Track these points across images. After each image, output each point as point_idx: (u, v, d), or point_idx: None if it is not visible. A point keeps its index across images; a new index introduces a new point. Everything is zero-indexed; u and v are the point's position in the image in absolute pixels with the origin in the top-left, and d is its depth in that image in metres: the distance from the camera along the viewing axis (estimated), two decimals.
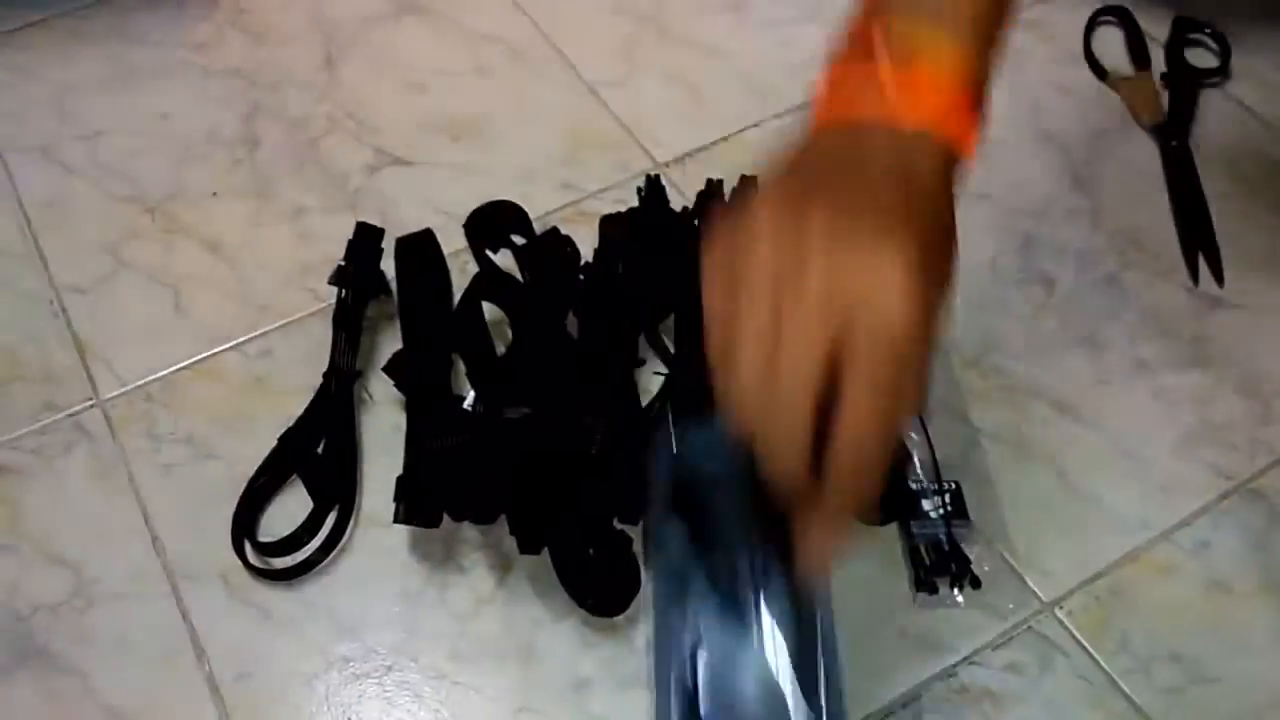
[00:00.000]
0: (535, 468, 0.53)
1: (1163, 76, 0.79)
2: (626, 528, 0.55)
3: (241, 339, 0.65)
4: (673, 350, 0.62)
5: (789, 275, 0.35)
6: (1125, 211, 0.73)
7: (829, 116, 0.40)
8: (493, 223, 0.65)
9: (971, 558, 0.57)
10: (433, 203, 0.72)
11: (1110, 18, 0.83)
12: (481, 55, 0.81)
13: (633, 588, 0.54)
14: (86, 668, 0.53)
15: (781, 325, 0.35)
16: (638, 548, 0.55)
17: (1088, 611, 0.56)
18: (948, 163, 0.39)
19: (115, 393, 0.63)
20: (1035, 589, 0.57)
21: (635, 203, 0.69)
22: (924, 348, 0.35)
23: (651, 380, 0.62)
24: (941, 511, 0.58)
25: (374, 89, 0.79)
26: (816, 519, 0.38)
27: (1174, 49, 0.80)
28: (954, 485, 0.58)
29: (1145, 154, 0.76)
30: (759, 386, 0.35)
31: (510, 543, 0.54)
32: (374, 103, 0.78)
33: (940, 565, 0.56)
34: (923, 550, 0.57)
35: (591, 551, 0.54)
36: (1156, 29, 0.82)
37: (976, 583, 0.56)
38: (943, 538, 0.57)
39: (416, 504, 0.55)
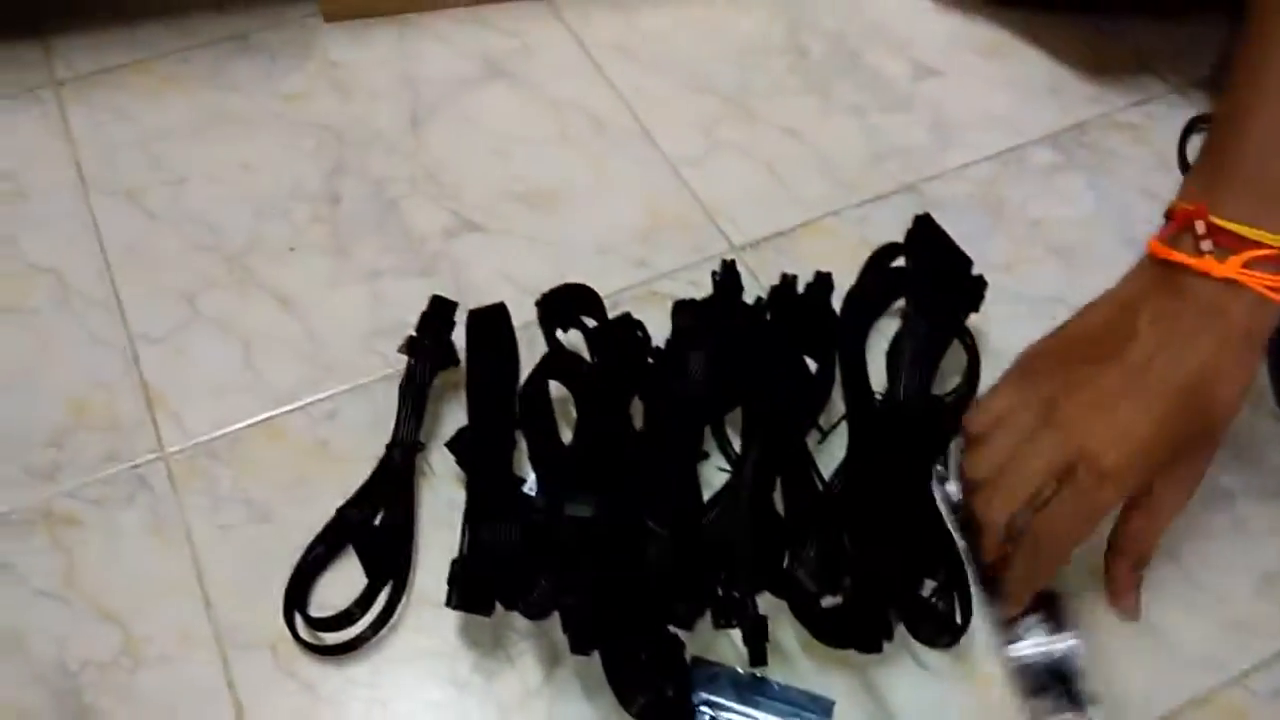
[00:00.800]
0: (592, 569, 0.52)
1: None
2: (680, 633, 0.54)
3: (308, 400, 0.65)
4: (737, 447, 0.61)
5: (1043, 413, 0.55)
6: None
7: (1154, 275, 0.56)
8: (566, 304, 0.64)
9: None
10: (506, 271, 0.72)
11: (1206, 124, 0.81)
12: (565, 124, 0.81)
13: (682, 694, 0.53)
14: None
15: (1026, 445, 0.55)
16: (690, 654, 0.54)
17: None
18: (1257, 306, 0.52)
19: (179, 447, 0.63)
20: None
21: (709, 285, 0.68)
22: (1115, 493, 0.53)
23: (715, 475, 0.61)
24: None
25: (456, 152, 0.79)
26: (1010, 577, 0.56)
27: None
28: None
29: None
30: (993, 473, 0.55)
31: (561, 636, 0.54)
32: (455, 166, 0.78)
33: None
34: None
35: (642, 655, 0.53)
36: None
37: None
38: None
39: (470, 591, 0.54)
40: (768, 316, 0.66)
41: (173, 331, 0.68)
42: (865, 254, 0.69)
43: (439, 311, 0.65)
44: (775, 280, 0.67)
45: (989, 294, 0.65)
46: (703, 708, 0.54)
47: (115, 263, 0.71)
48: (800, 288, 0.66)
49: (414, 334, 0.64)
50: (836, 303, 0.67)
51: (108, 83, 0.82)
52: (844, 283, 0.67)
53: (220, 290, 0.70)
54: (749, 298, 0.68)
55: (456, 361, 0.65)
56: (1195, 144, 0.81)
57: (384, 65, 0.85)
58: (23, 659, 0.55)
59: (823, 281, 0.66)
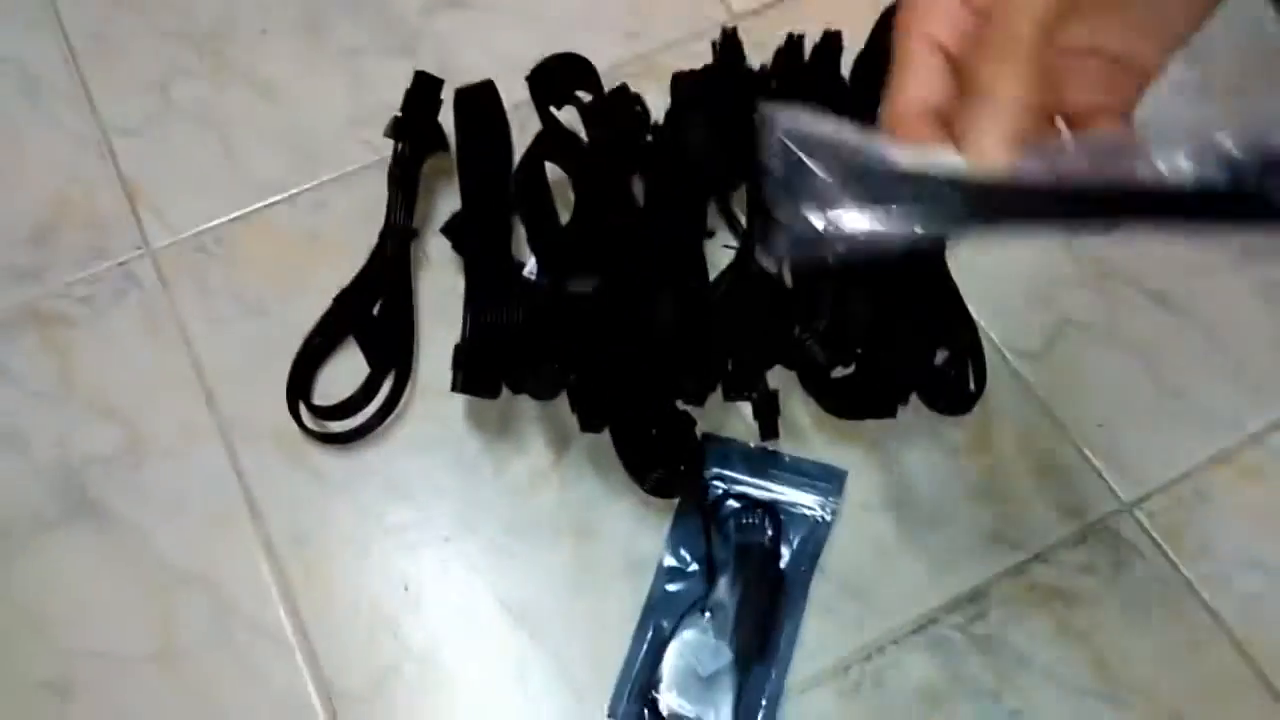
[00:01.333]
0: (598, 345, 0.51)
1: None
2: (690, 409, 0.53)
3: (294, 190, 0.63)
4: (744, 222, 0.59)
5: None
6: (1239, 84, 0.67)
7: None
8: (558, 77, 0.61)
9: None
10: (493, 48, 0.68)
11: None
12: None
13: (694, 469, 0.52)
14: (143, 523, 0.53)
15: None
16: (700, 429, 0.53)
17: (1168, 514, 0.54)
18: None
19: (166, 242, 0.61)
20: (1115, 488, 0.55)
21: (709, 58, 0.65)
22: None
23: (721, 254, 0.59)
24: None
25: None
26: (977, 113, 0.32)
27: None
28: None
29: (1265, 22, 0.69)
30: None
31: (570, 416, 0.53)
32: None
33: None
34: None
35: (654, 431, 0.52)
36: None
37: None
38: None
39: (475, 374, 0.53)
40: (773, 85, 0.62)
41: (147, 123, 0.65)
42: (875, 14, 0.64)
43: (424, 90, 0.61)
44: (779, 48, 0.63)
45: None
46: (715, 482, 0.54)
47: (80, 51, 0.67)
48: (807, 51, 0.62)
49: (399, 115, 0.60)
50: (846, 67, 0.63)
51: None
52: (854, 45, 0.63)
53: (193, 77, 0.67)
54: (752, 66, 0.64)
55: (446, 145, 0.62)
56: None
57: None
58: (25, 459, 0.55)
59: (831, 42, 0.62)
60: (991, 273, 0.59)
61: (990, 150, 0.31)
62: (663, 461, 0.52)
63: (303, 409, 0.55)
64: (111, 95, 0.66)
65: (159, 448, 0.55)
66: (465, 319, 0.56)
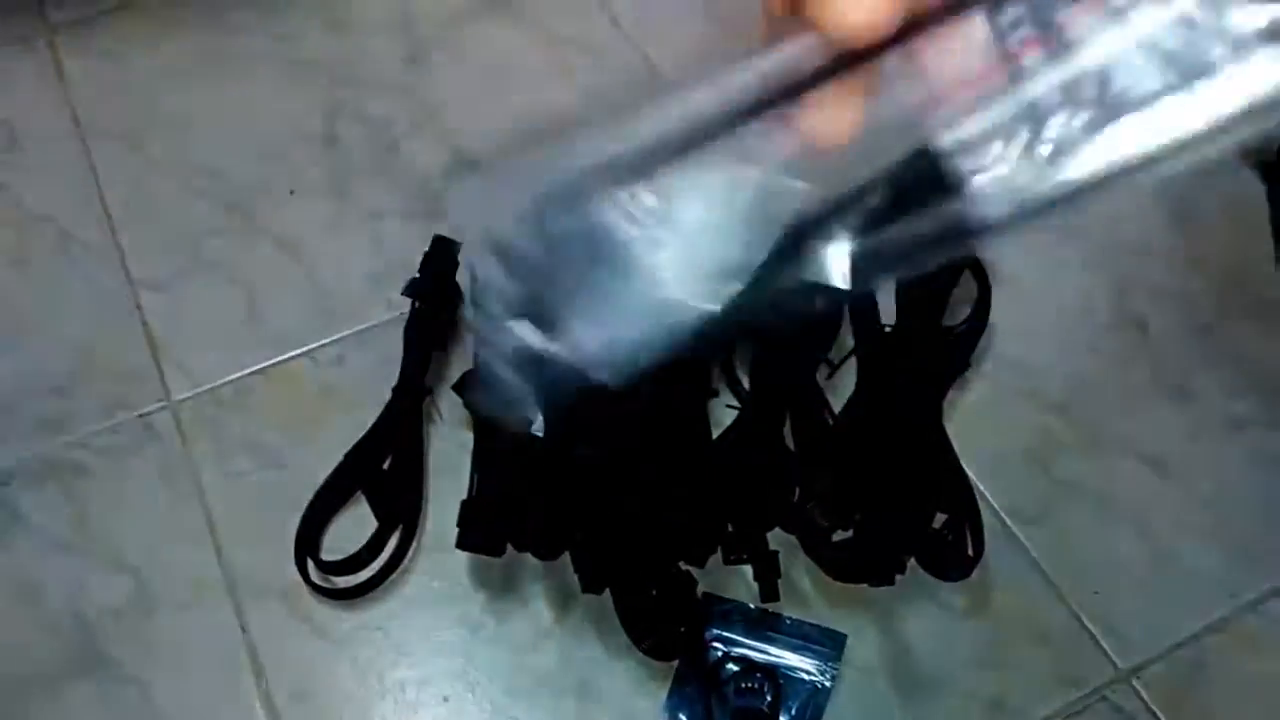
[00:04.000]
0: (602, 508, 0.52)
1: None
2: (692, 569, 0.54)
3: (314, 345, 0.65)
4: (747, 384, 0.61)
5: None
6: (1226, 254, 0.69)
7: None
8: None
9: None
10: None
11: None
12: (564, 57, 0.80)
13: (694, 631, 0.53)
14: (146, 677, 0.54)
15: None
16: (701, 589, 0.54)
17: (1165, 683, 0.54)
18: None
19: (186, 395, 0.63)
20: (1112, 656, 0.55)
21: None
22: None
23: (724, 413, 0.60)
24: None
25: (455, 89, 0.78)
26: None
27: None
28: None
29: (1252, 193, 0.72)
30: None
31: (573, 575, 0.54)
32: (455, 103, 0.77)
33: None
34: None
35: (654, 592, 0.53)
36: None
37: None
38: None
39: (480, 532, 0.54)
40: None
41: (175, 278, 0.68)
42: None
43: (441, 252, 0.64)
44: None
45: None
46: (715, 644, 0.54)
47: (114, 209, 0.71)
48: None
49: (417, 276, 0.63)
50: None
51: (101, 27, 0.81)
52: None
53: (221, 236, 0.70)
54: None
55: (462, 302, 0.65)
56: None
57: (379, 1, 0.83)
58: (39, 609, 0.56)
59: None
60: (989, 437, 0.61)
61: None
62: (663, 622, 0.53)
63: (310, 565, 0.56)
64: (142, 252, 0.69)
65: (168, 601, 0.56)
66: (472, 477, 0.57)
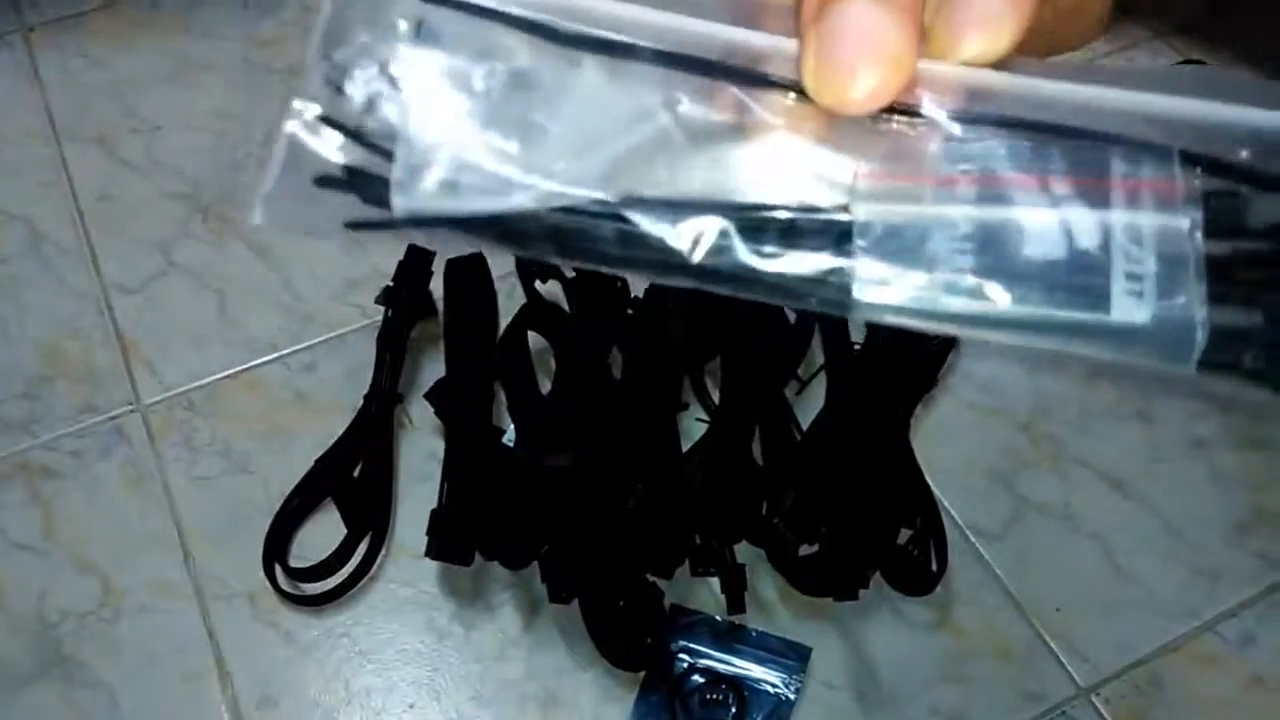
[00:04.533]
0: (571, 518, 0.53)
1: None
2: (659, 581, 0.54)
3: (285, 351, 0.65)
4: (717, 397, 0.61)
5: None
6: None
7: None
8: None
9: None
10: None
11: None
12: None
13: (660, 642, 0.53)
14: (111, 680, 0.53)
15: None
16: (668, 602, 0.55)
17: (1125, 701, 0.55)
18: None
19: (156, 398, 0.63)
20: (1073, 673, 0.56)
21: None
22: None
23: (694, 426, 0.61)
24: None
25: None
26: None
27: None
28: None
29: None
30: None
31: (540, 583, 0.54)
32: None
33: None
34: None
35: (621, 604, 0.53)
36: None
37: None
38: None
39: (449, 541, 0.54)
40: None
41: (147, 282, 0.68)
42: None
43: (416, 261, 0.64)
44: None
45: None
46: (681, 655, 0.55)
47: (87, 211, 0.70)
48: None
49: (391, 284, 0.63)
50: None
51: (78, 28, 0.81)
52: None
53: (194, 240, 0.70)
54: None
55: (434, 311, 0.65)
56: None
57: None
58: (3, 611, 0.55)
59: None
60: (954, 454, 0.62)
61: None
62: (629, 633, 0.53)
63: (278, 570, 0.56)
64: (114, 254, 0.68)
65: (134, 605, 0.56)
66: (443, 485, 0.58)
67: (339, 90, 0.21)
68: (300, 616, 0.56)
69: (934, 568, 0.56)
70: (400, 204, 0.21)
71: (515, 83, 0.21)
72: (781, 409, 0.60)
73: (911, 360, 0.62)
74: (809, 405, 0.62)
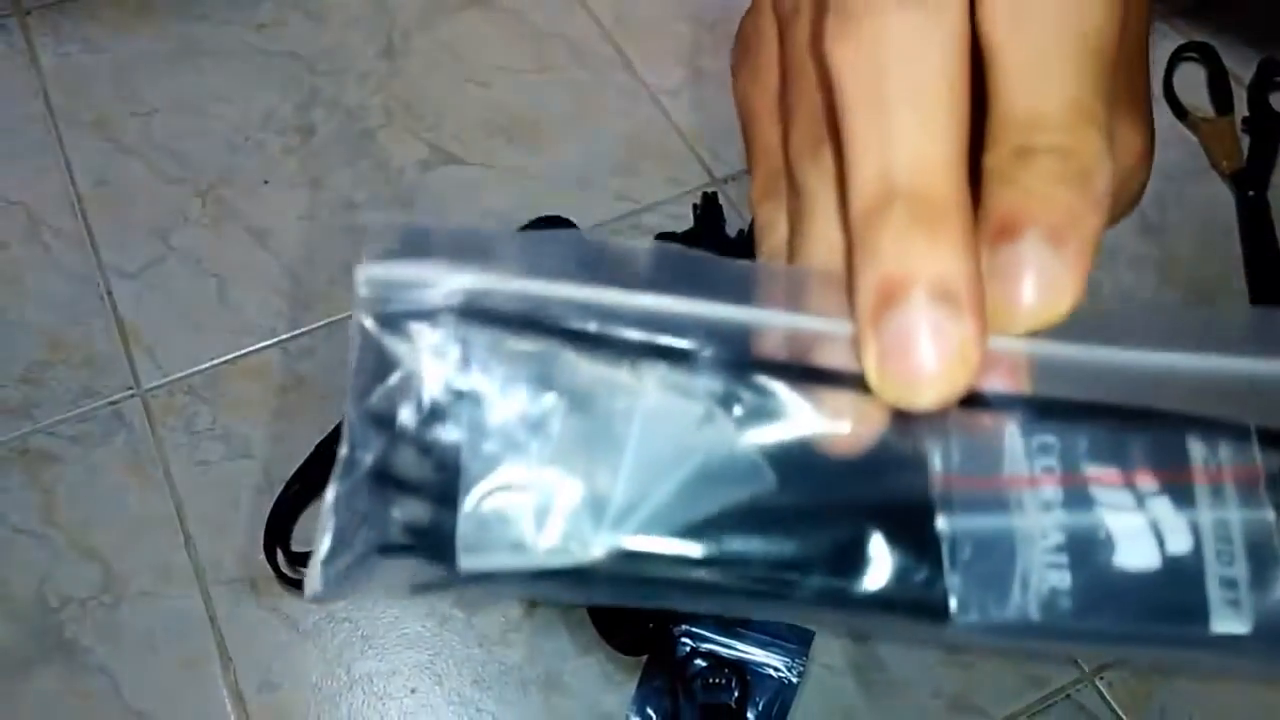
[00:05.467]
0: None
1: (1244, 121, 0.76)
2: None
3: (285, 336, 0.65)
4: None
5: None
6: (1195, 262, 0.70)
7: None
8: None
9: None
10: (485, 205, 0.71)
11: (1194, 55, 0.80)
12: (543, 53, 0.80)
13: (663, 627, 0.53)
14: (113, 665, 0.53)
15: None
16: None
17: (1128, 683, 0.55)
18: None
19: (156, 383, 0.63)
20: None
21: (690, 218, 0.68)
22: None
23: None
24: None
25: (432, 81, 0.78)
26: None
27: (1258, 92, 0.77)
28: None
29: (1221, 202, 0.73)
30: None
31: None
32: (431, 96, 0.77)
33: None
34: None
35: None
36: (1242, 70, 0.79)
37: None
38: None
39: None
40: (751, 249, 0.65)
41: (146, 267, 0.67)
42: None
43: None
44: None
45: None
46: (683, 639, 0.55)
47: (86, 196, 0.70)
48: None
49: None
50: None
51: (75, 12, 0.80)
52: None
53: (194, 225, 0.69)
54: (731, 230, 0.67)
55: None
56: (1182, 74, 0.80)
57: None
58: (6, 597, 0.55)
59: None
60: None
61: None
62: (631, 617, 0.53)
63: (279, 555, 0.56)
64: (113, 239, 0.68)
65: (136, 589, 0.56)
66: None
67: (386, 434, 0.19)
68: (301, 601, 0.56)
69: None
70: (468, 565, 0.19)
71: (574, 407, 0.19)
72: None
73: None
74: None
